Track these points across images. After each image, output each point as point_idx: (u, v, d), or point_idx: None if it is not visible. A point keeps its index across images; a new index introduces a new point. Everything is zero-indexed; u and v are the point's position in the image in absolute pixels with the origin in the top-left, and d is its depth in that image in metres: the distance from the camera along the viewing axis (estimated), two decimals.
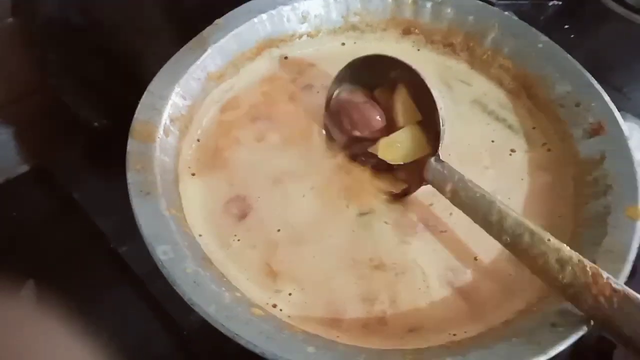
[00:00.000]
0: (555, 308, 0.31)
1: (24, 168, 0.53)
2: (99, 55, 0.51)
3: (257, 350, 0.28)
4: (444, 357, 0.29)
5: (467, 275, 0.36)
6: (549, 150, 0.42)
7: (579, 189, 0.38)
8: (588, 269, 0.29)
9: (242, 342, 0.29)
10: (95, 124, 0.51)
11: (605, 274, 0.29)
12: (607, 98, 0.40)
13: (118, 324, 0.40)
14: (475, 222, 0.35)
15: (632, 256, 0.32)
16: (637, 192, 0.35)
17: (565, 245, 0.31)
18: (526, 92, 0.44)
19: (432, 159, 0.37)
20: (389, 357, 0.29)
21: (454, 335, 0.33)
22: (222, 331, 0.29)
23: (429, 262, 0.36)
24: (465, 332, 0.33)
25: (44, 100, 0.52)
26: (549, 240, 0.31)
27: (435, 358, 0.29)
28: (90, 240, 0.47)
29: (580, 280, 0.29)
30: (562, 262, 0.30)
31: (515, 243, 0.32)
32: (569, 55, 0.43)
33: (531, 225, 0.32)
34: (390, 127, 0.40)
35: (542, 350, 0.29)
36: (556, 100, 0.42)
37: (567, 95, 0.42)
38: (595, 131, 0.39)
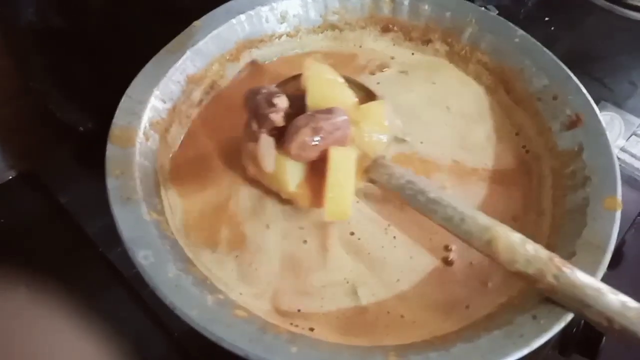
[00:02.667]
0: (537, 300, 0.31)
1: (11, 174, 0.53)
2: (82, 59, 0.51)
3: (241, 353, 0.28)
4: (427, 352, 0.29)
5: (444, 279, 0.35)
6: (527, 152, 0.42)
7: (557, 182, 0.38)
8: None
9: (225, 345, 0.29)
10: (81, 128, 0.51)
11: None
12: (584, 90, 0.41)
13: (109, 328, 0.40)
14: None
15: (611, 247, 0.32)
16: (615, 182, 0.35)
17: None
18: (504, 86, 0.44)
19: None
20: (372, 355, 0.29)
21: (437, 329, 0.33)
22: (205, 335, 0.29)
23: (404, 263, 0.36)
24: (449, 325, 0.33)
25: (28, 105, 0.52)
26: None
27: (418, 354, 0.29)
28: (79, 245, 0.47)
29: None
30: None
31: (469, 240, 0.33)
32: (545, 49, 0.43)
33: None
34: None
35: (525, 343, 0.29)
36: (534, 94, 0.42)
37: (544, 88, 0.42)
38: (573, 123, 0.39)
